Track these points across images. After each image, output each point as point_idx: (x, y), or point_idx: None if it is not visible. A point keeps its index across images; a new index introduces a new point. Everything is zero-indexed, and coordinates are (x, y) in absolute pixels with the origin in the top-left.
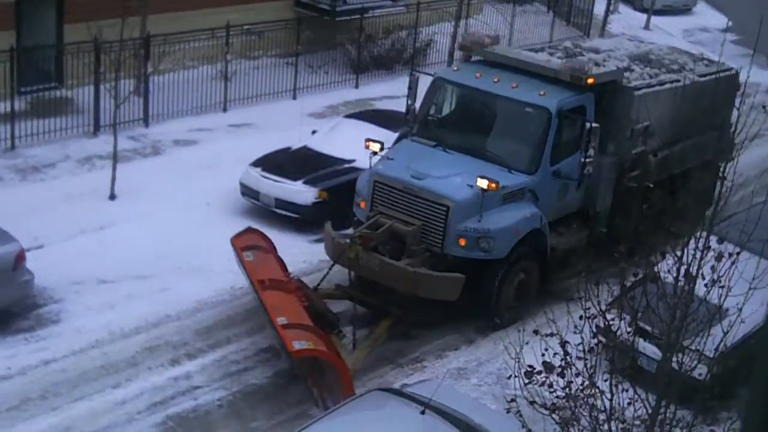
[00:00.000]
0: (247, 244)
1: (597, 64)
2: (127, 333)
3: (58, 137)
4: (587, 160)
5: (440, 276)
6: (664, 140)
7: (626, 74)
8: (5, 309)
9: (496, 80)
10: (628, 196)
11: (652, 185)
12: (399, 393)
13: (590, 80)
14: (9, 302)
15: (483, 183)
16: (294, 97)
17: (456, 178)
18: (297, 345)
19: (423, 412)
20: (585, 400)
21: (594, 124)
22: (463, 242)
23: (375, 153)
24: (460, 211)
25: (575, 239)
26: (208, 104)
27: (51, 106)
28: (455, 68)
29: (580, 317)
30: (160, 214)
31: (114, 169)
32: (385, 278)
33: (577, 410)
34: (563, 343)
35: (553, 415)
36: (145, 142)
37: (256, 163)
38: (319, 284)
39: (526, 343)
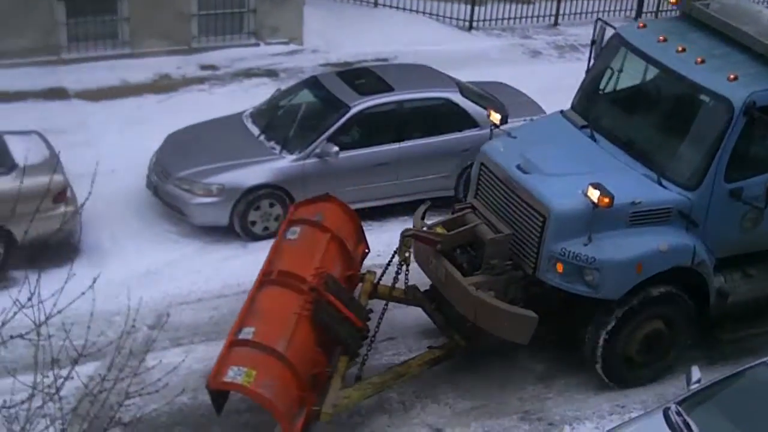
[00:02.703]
0: (303, 216)
1: None
2: None
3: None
4: None
5: (505, 309)
6: None
7: None
8: None
9: (680, 49)
10: None
11: None
12: None
13: None
14: None
15: (593, 194)
16: None
17: (572, 178)
18: (230, 374)
19: None
20: None
21: None
22: (560, 268)
23: (496, 126)
24: (560, 225)
25: None
26: None
27: None
28: (641, 24)
29: None
30: None
31: None
32: (448, 293)
33: None
34: None
35: None
36: None
37: None
38: (378, 280)
39: None
